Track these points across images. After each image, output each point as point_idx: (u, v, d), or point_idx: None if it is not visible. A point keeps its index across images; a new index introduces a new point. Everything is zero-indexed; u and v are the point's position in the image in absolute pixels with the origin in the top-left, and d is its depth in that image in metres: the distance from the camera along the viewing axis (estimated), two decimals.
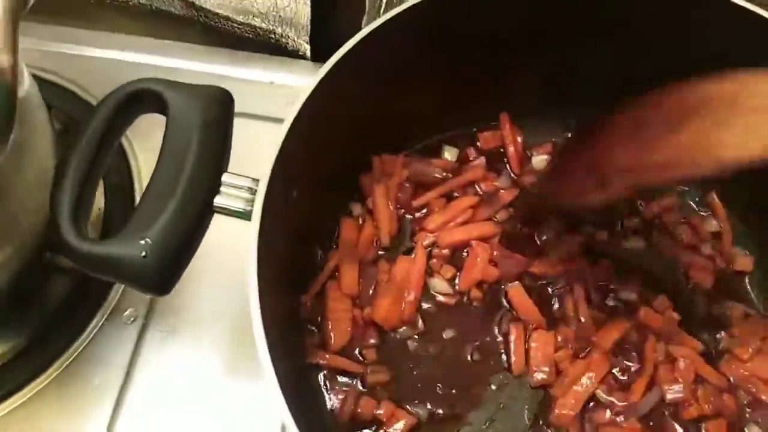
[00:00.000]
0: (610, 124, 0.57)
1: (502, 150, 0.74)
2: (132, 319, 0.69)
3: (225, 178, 0.51)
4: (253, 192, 0.50)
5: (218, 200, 0.50)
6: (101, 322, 0.68)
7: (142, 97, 0.51)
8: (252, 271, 0.47)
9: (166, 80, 0.52)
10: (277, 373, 0.45)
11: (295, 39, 0.85)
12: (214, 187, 0.50)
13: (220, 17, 0.84)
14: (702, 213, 0.71)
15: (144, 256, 0.47)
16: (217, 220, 0.52)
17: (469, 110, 0.72)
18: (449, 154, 0.74)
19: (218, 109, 0.51)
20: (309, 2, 0.79)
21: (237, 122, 0.54)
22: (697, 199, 0.72)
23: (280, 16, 0.82)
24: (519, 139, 0.73)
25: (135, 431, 0.65)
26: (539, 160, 0.74)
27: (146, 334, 0.69)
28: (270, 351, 0.45)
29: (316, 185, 0.61)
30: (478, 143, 0.74)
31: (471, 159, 0.73)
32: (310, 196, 0.59)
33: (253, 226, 0.48)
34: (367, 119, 0.62)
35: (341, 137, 0.60)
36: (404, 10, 0.57)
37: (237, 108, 0.54)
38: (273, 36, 0.85)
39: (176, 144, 0.49)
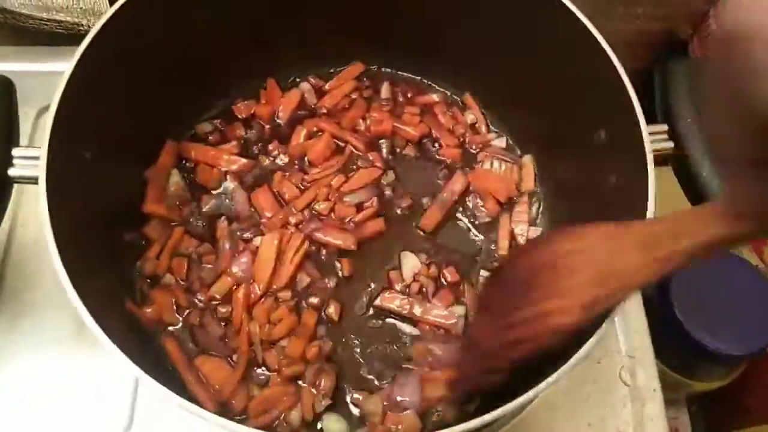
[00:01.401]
0: (480, 311, 0.61)
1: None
2: None
3: (15, 152, 0.57)
4: None
5: (12, 171, 0.57)
6: None
7: None
8: (48, 230, 0.53)
9: None
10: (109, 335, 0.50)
11: None
12: (7, 161, 0.57)
13: (24, 16, 0.87)
14: (461, 107, 0.85)
15: None
16: None
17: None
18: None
19: None
20: None
21: None
22: (457, 98, 0.86)
23: (81, 8, 0.87)
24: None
25: None
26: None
27: None
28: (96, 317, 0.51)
29: (118, 143, 0.66)
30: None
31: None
32: (113, 153, 0.65)
33: (41, 188, 0.54)
34: (146, 81, 0.68)
35: (127, 101, 0.66)
36: None
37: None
38: (82, 28, 0.90)
39: None
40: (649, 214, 0.56)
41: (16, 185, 0.59)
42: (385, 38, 0.81)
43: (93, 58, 0.60)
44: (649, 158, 0.58)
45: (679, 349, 0.83)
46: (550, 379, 0.50)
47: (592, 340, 0.52)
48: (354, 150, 0.80)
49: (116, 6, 0.63)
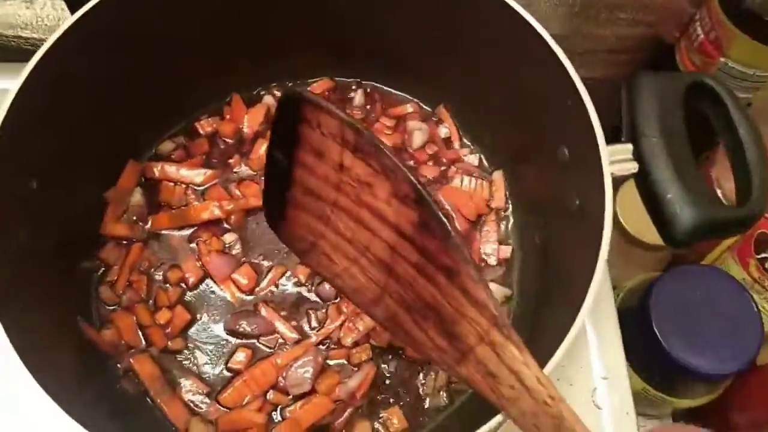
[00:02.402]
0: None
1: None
2: None
3: None
4: None
5: None
6: None
7: None
8: None
9: None
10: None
11: None
12: None
13: None
14: (435, 119, 0.82)
15: None
16: None
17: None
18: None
19: None
20: (66, 8, 0.83)
21: None
22: (431, 110, 0.83)
23: (45, 25, 0.86)
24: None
25: None
26: None
27: None
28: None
29: (70, 168, 0.64)
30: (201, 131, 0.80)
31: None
32: (64, 179, 0.63)
33: None
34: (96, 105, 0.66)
35: (81, 124, 0.64)
36: None
37: None
38: None
39: None
40: (605, 239, 0.53)
41: None
42: (352, 51, 0.79)
43: (42, 79, 0.57)
44: (607, 180, 0.55)
45: (659, 367, 0.80)
46: None
47: (559, 352, 0.51)
48: None
49: (69, 22, 0.60)
